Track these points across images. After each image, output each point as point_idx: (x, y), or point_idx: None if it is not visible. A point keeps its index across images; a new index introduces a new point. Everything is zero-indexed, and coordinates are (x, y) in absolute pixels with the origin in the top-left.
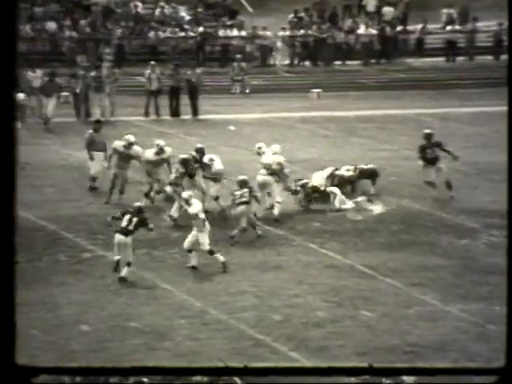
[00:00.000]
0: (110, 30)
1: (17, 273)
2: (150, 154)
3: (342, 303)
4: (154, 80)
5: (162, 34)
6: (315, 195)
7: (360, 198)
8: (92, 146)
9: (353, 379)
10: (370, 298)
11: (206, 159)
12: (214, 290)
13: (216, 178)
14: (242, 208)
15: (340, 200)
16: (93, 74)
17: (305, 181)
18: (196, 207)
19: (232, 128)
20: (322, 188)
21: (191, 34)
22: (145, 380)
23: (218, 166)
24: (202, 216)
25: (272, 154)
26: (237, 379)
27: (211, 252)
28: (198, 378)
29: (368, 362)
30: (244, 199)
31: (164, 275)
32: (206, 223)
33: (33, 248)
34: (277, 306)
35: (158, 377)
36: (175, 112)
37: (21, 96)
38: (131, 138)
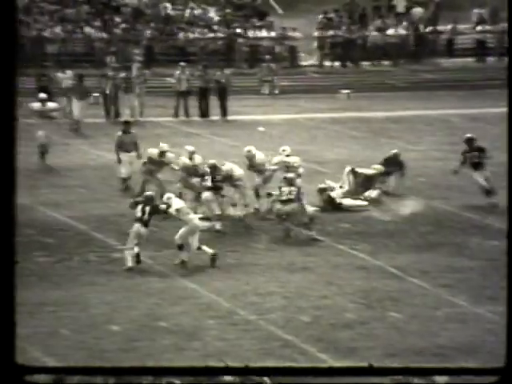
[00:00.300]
0: (139, 31)
1: (48, 273)
2: (186, 160)
3: (371, 304)
4: (183, 81)
5: (191, 35)
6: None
7: (374, 193)
8: (121, 147)
9: (386, 379)
10: (399, 300)
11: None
12: (243, 290)
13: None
14: (290, 206)
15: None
16: (122, 74)
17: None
18: (177, 205)
19: (261, 129)
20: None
21: (220, 34)
22: (176, 382)
23: (237, 171)
24: (187, 213)
25: (287, 155)
26: (266, 379)
27: (199, 248)
28: (229, 378)
29: (397, 363)
30: (291, 197)
31: (193, 276)
32: (196, 221)
33: (63, 248)
34: (305, 307)
35: (189, 377)
36: (204, 113)
37: (53, 105)
38: (165, 146)
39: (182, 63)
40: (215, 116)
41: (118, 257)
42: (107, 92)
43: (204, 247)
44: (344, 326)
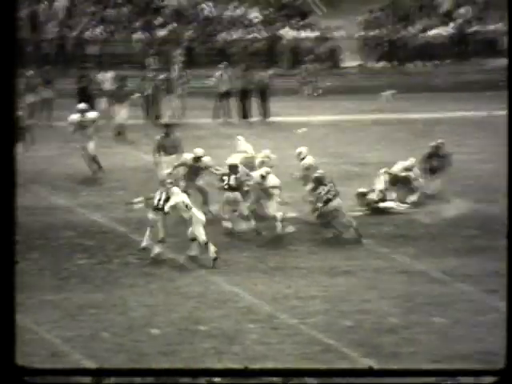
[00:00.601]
0: (180, 31)
1: (88, 275)
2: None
3: (415, 309)
4: (223, 82)
5: (231, 36)
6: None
7: (415, 195)
8: (161, 150)
9: (432, 379)
10: (443, 304)
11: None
12: (284, 294)
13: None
14: (335, 203)
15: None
16: (163, 76)
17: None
18: (175, 199)
19: (302, 131)
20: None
21: (261, 35)
22: (216, 380)
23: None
24: (186, 208)
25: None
26: (309, 379)
27: (206, 243)
28: (272, 379)
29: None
30: (331, 194)
31: (233, 278)
32: (199, 215)
33: (103, 250)
34: (347, 311)
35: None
36: (245, 114)
37: (92, 115)
38: (199, 151)
39: (223, 64)
40: (256, 117)
41: (158, 259)
42: (147, 93)
43: (210, 246)
44: (387, 331)
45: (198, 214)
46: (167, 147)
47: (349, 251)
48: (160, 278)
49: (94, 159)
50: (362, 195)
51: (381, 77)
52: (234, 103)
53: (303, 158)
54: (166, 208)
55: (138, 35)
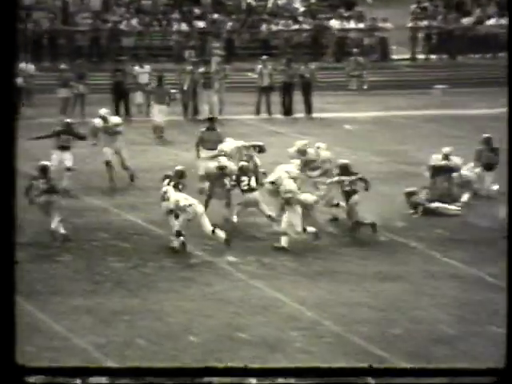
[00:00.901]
0: (219, 22)
1: (123, 279)
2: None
3: (468, 317)
4: (265, 76)
5: (274, 27)
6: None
7: (466, 196)
8: (203, 144)
9: (445, 379)
10: (498, 312)
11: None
12: (328, 300)
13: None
14: (356, 197)
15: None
16: (201, 69)
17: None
18: (174, 198)
19: (348, 127)
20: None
21: (305, 26)
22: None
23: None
24: (184, 203)
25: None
26: (370, 379)
27: (213, 232)
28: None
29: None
30: (354, 187)
31: (274, 283)
32: (197, 208)
33: (139, 253)
34: (396, 318)
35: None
36: (287, 110)
37: (116, 119)
38: (223, 160)
39: (265, 57)
40: (299, 113)
41: (195, 262)
42: (185, 88)
43: (218, 231)
44: (440, 341)
45: (198, 207)
46: (209, 142)
47: (396, 255)
48: (198, 283)
49: (125, 167)
50: (410, 195)
51: (431, 70)
52: (276, 98)
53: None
54: (170, 204)
55: (175, 27)
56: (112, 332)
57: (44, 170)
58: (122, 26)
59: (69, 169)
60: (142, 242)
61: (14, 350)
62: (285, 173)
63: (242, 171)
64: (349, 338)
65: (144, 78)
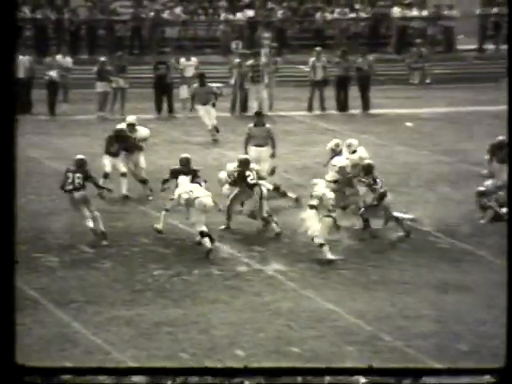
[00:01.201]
0: (270, 11)
1: (164, 288)
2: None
3: None
4: (318, 69)
5: (329, 16)
6: None
7: None
8: (251, 140)
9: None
10: None
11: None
12: (387, 312)
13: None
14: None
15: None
16: (250, 62)
17: None
18: (178, 191)
19: (410, 125)
20: None
21: (363, 15)
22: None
23: None
24: (186, 196)
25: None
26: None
27: (202, 234)
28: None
29: None
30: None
31: (328, 294)
32: (196, 201)
33: (182, 260)
34: (462, 333)
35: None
36: (343, 106)
37: (145, 132)
38: (257, 167)
39: (318, 48)
40: (355, 109)
41: (243, 271)
42: (232, 82)
43: (205, 240)
44: None
45: (206, 199)
46: (257, 138)
47: (461, 263)
48: (246, 293)
49: (142, 179)
50: (481, 195)
51: (501, 62)
52: (330, 93)
53: (354, 151)
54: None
55: (222, 16)
56: (153, 345)
57: (81, 164)
58: (165, 15)
59: (124, 174)
60: (185, 247)
61: (14, 350)
62: (325, 188)
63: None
64: (410, 353)
65: (190, 72)
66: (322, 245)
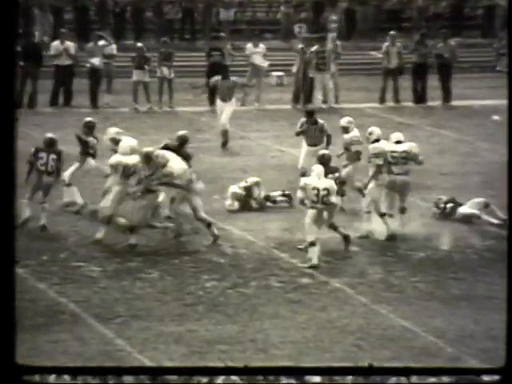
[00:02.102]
0: None
1: (218, 301)
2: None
3: None
4: (393, 55)
5: None
6: None
7: None
8: (306, 139)
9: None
10: None
11: None
12: (471, 330)
13: None
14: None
15: None
16: (314, 48)
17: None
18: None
19: (497, 118)
20: None
21: None
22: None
23: None
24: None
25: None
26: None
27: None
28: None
29: None
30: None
31: (403, 309)
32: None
33: (238, 270)
34: None
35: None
36: (420, 97)
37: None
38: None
39: (393, 32)
40: (434, 101)
41: (307, 282)
42: (294, 71)
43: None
44: None
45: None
46: (312, 137)
47: None
48: (310, 307)
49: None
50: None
51: None
52: (405, 83)
53: (376, 140)
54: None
55: None
56: (206, 365)
57: (51, 144)
58: None
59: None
60: (241, 256)
61: (14, 350)
62: (313, 178)
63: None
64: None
65: (258, 60)
66: (311, 243)
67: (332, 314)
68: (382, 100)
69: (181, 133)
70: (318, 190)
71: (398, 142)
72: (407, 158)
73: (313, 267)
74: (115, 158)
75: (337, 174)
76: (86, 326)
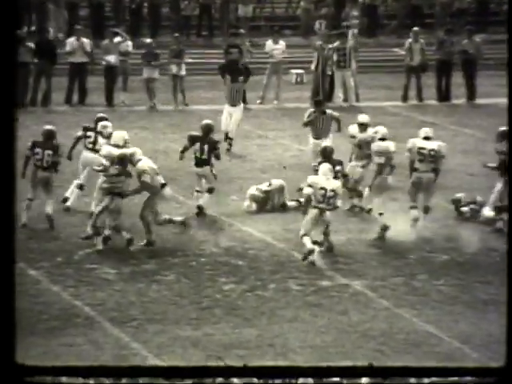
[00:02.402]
0: None
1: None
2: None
3: None
4: (416, 52)
5: None
6: None
7: None
8: (312, 131)
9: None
10: None
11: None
12: (498, 337)
13: None
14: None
15: None
16: (335, 44)
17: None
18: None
19: None
20: None
21: None
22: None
23: None
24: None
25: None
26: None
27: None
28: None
29: None
30: None
31: (427, 314)
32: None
33: (256, 272)
34: None
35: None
36: (444, 95)
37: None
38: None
39: (416, 28)
40: (458, 99)
41: (327, 286)
42: (313, 68)
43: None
44: None
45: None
46: (319, 129)
47: None
48: (330, 311)
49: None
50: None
51: None
52: (429, 81)
53: (382, 139)
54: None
55: None
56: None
57: (50, 137)
58: None
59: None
60: (260, 258)
61: (14, 350)
62: (320, 177)
63: None
64: None
65: (278, 56)
66: (304, 235)
67: (353, 318)
68: (405, 98)
69: (205, 122)
70: (325, 190)
71: (427, 138)
72: (435, 156)
73: (307, 254)
74: (107, 149)
75: (338, 167)
76: (101, 329)
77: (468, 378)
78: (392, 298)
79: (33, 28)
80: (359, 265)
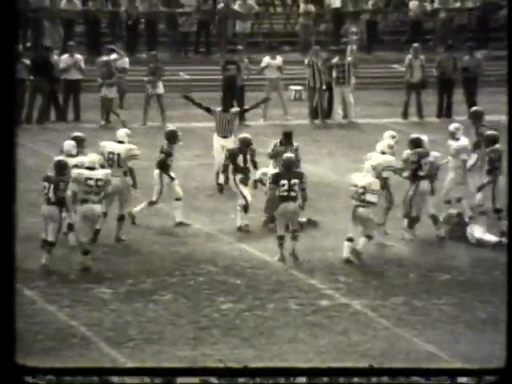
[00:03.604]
0: (358, 0)
1: (234, 324)
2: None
3: None
4: (416, 68)
5: (428, 5)
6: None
7: None
8: (275, 160)
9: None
10: None
11: None
12: (498, 357)
13: None
14: None
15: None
16: (334, 60)
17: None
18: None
19: None
20: None
21: (469, 4)
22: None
23: None
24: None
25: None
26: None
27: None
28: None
29: None
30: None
31: (429, 334)
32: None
33: (255, 291)
34: None
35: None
36: (445, 112)
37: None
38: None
39: (416, 44)
40: (460, 116)
41: (327, 305)
42: (311, 84)
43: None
44: None
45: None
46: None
47: None
48: (330, 331)
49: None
50: None
51: None
52: (429, 97)
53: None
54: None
55: (301, 7)
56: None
57: (61, 169)
58: (236, 7)
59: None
60: (258, 277)
61: (14, 350)
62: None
63: None
64: None
65: (273, 73)
66: (348, 239)
67: (353, 338)
68: (405, 115)
69: (243, 135)
70: (356, 186)
71: (418, 146)
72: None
73: (348, 261)
74: (106, 144)
75: (296, 181)
76: (98, 349)
77: (468, 378)
78: (392, 317)
79: (28, 44)
80: (359, 284)
